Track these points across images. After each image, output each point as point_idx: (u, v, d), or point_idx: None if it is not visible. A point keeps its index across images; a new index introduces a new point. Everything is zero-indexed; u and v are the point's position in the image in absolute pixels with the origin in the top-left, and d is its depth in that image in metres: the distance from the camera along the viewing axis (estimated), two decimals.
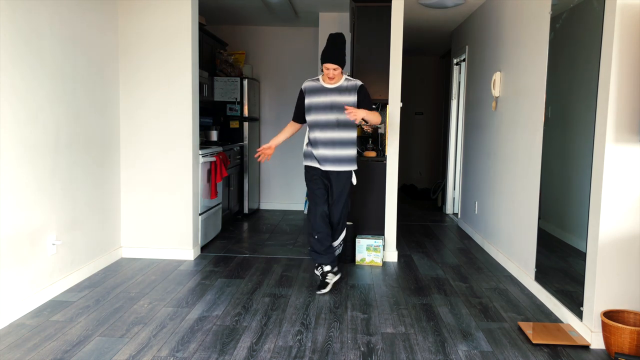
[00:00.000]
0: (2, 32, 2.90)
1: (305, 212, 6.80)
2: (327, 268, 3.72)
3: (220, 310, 3.24)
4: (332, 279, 3.70)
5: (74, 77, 3.64)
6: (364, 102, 3.68)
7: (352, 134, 3.72)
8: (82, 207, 3.78)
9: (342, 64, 3.60)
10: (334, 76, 3.61)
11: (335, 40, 3.60)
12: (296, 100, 3.82)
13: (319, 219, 3.71)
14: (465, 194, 5.95)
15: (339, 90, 3.68)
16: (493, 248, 4.71)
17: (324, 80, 3.71)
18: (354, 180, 3.86)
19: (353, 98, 3.66)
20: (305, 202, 6.93)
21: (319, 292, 3.63)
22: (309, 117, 3.70)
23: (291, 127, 3.88)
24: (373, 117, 3.62)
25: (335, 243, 3.93)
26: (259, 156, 3.79)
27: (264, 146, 3.78)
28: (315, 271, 3.84)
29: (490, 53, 5.00)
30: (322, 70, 3.74)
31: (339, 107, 3.65)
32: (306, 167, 3.80)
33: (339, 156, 3.71)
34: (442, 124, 8.55)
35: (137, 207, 4.41)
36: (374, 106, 3.67)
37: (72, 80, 3.62)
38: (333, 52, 3.57)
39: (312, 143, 3.72)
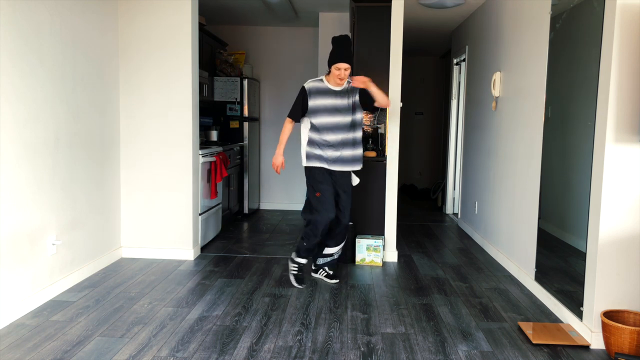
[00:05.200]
0: (2, 32, 2.90)
1: None
2: (303, 261, 3.83)
3: (220, 310, 3.24)
4: (295, 274, 3.79)
5: (74, 76, 3.64)
6: (365, 94, 3.71)
7: (360, 133, 3.80)
8: (82, 207, 3.78)
9: (352, 64, 3.64)
10: (345, 76, 3.61)
11: (343, 42, 3.63)
12: (295, 98, 3.79)
13: (325, 225, 3.70)
14: (465, 194, 5.95)
15: (346, 92, 3.70)
16: (493, 248, 4.71)
17: (328, 82, 3.70)
18: (355, 181, 3.89)
19: (357, 98, 3.75)
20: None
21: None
22: (316, 119, 3.68)
23: (291, 126, 3.82)
24: (382, 96, 3.66)
25: (337, 248, 3.94)
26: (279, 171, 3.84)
27: (277, 163, 3.75)
28: (292, 264, 3.84)
29: (490, 53, 5.00)
30: (328, 72, 3.69)
31: (349, 109, 3.67)
32: (312, 168, 3.74)
33: (352, 156, 3.76)
34: (442, 124, 8.55)
35: (137, 207, 4.40)
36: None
37: (72, 80, 3.62)
38: (343, 51, 3.59)
39: (319, 144, 3.70)
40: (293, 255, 3.84)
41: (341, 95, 3.68)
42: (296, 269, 3.80)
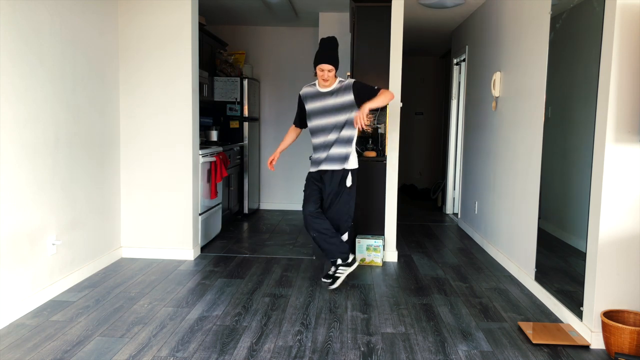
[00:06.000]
0: (2, 32, 2.90)
1: None
2: (338, 262, 3.74)
3: (220, 310, 3.25)
4: (343, 272, 3.71)
5: (74, 76, 3.64)
6: (362, 93, 3.59)
7: (350, 132, 3.66)
8: (82, 207, 3.78)
9: (335, 65, 3.59)
10: (328, 78, 3.59)
11: (327, 43, 3.62)
12: (297, 104, 3.86)
13: (308, 219, 3.69)
14: (465, 194, 5.95)
15: (335, 92, 3.65)
16: (493, 248, 4.71)
17: (319, 85, 3.71)
18: (349, 182, 3.71)
19: (349, 97, 3.61)
20: None
21: (329, 286, 3.67)
22: (310, 123, 3.72)
23: (293, 132, 3.93)
24: (380, 101, 3.53)
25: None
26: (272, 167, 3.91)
27: (271, 158, 3.88)
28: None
29: (490, 53, 5.00)
30: (315, 75, 3.71)
31: (336, 110, 3.64)
32: (309, 172, 3.83)
33: (333, 155, 3.67)
34: (442, 124, 8.55)
35: (137, 207, 4.40)
36: (375, 87, 3.63)
37: (72, 80, 3.62)
38: (325, 53, 3.58)
39: (314, 148, 3.75)
40: (339, 263, 3.79)
41: (329, 96, 3.66)
42: (338, 272, 3.74)
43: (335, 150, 3.66)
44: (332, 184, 3.69)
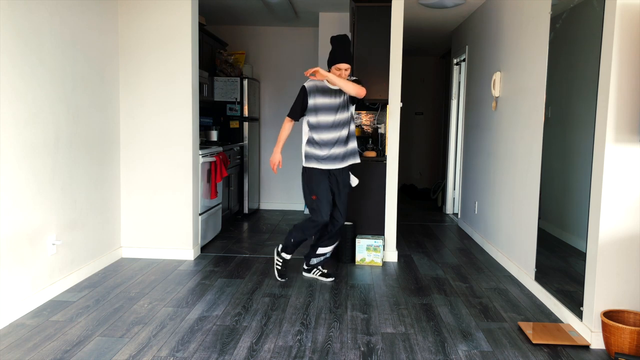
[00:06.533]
0: (2, 32, 2.90)
1: (305, 212, 6.80)
2: (288, 257, 3.91)
3: (220, 310, 3.25)
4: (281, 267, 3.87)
5: (74, 77, 3.64)
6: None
7: (353, 127, 3.81)
8: (82, 207, 3.78)
9: (352, 63, 3.65)
10: (345, 77, 3.64)
11: (342, 41, 3.64)
12: (296, 97, 3.79)
13: (320, 228, 3.75)
14: (465, 194, 5.95)
15: (342, 90, 3.69)
16: (493, 248, 4.71)
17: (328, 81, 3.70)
18: (354, 182, 3.87)
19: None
20: None
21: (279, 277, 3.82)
22: (315, 118, 3.70)
23: (290, 125, 3.81)
24: (348, 84, 3.50)
25: (331, 248, 3.94)
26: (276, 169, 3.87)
27: (274, 161, 3.76)
28: (277, 258, 3.94)
29: (490, 53, 5.00)
30: (328, 71, 3.70)
31: (344, 107, 3.70)
32: (310, 169, 3.74)
33: (344, 152, 3.75)
34: (442, 124, 8.55)
35: (137, 207, 4.40)
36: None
37: (72, 80, 3.62)
38: (343, 52, 3.61)
39: (319, 144, 3.70)
40: (279, 248, 3.93)
41: (339, 94, 3.69)
42: (280, 263, 3.88)
43: (347, 148, 3.76)
44: (344, 180, 3.82)
